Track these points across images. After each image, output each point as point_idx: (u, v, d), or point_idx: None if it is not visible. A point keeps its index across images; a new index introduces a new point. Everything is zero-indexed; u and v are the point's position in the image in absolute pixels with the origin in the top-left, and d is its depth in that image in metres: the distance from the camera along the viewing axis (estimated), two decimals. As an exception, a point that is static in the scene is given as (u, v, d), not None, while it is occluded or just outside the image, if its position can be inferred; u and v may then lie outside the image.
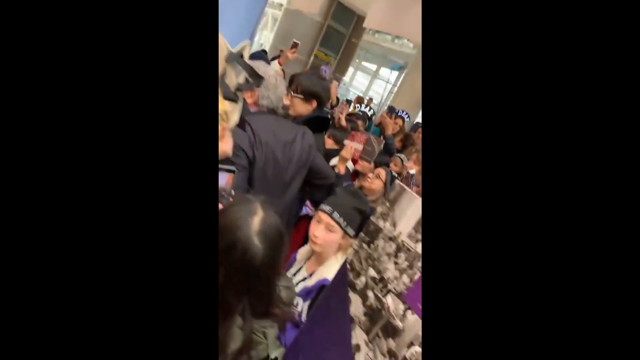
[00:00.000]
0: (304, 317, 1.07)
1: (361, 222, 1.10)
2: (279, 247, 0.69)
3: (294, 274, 1.24)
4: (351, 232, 1.09)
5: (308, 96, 1.61)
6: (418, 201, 0.67)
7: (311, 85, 1.57)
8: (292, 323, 1.17)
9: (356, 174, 2.26)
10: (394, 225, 0.71)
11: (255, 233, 0.67)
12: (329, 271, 1.08)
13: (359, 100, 5.68)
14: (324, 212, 1.11)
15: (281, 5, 7.03)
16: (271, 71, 1.38)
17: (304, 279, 1.18)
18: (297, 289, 1.16)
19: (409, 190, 0.71)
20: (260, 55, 3.00)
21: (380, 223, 0.74)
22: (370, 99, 6.42)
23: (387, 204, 0.73)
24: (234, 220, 0.67)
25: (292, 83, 1.62)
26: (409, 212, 0.68)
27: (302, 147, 1.36)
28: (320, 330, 0.83)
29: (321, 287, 1.07)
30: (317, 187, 1.53)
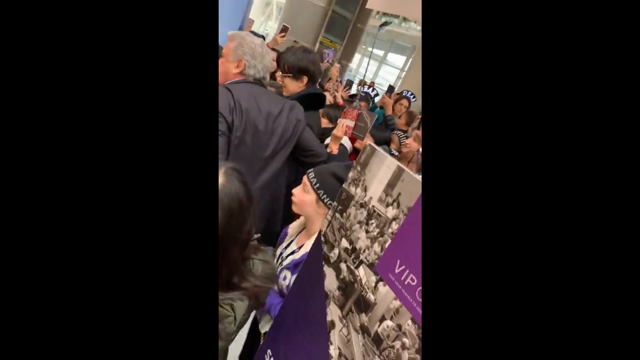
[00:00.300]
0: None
1: None
2: (239, 216, 0.62)
3: (285, 248, 1.18)
4: (322, 195, 1.01)
5: (297, 73, 1.50)
6: (388, 161, 0.58)
7: (297, 61, 1.46)
8: (283, 297, 1.12)
9: (357, 152, 2.16)
10: (364, 190, 0.62)
11: None
12: (314, 244, 1.02)
13: (362, 83, 5.51)
14: (306, 172, 1.06)
15: (285, -8, 6.84)
16: (257, 40, 1.29)
17: (293, 253, 1.12)
18: (286, 262, 1.11)
19: (381, 150, 0.62)
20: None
21: (352, 189, 0.66)
22: (373, 82, 6.22)
23: (359, 168, 0.65)
24: None
25: (280, 64, 1.53)
26: (380, 174, 0.59)
27: (288, 120, 1.26)
28: (296, 308, 0.76)
29: (306, 260, 1.01)
30: (309, 165, 1.44)
